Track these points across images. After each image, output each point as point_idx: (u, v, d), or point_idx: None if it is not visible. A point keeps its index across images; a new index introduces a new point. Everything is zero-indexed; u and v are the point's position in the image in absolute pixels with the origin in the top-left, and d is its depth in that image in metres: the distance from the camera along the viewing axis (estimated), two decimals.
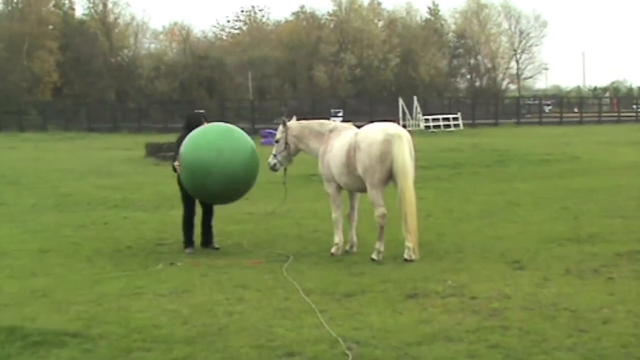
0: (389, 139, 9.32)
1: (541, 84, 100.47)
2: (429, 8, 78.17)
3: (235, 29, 78.47)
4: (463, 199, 15.18)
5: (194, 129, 10.45)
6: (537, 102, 67.79)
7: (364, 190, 9.72)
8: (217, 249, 10.64)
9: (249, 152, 10.18)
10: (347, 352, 5.97)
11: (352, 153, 9.55)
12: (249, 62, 66.90)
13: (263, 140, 34.48)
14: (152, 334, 6.56)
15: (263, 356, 5.99)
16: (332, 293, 7.81)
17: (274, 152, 10.56)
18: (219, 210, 13.09)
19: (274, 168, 10.58)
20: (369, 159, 9.34)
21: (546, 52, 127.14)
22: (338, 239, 9.97)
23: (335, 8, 72.30)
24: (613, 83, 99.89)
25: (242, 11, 78.28)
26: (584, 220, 12.04)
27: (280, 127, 10.61)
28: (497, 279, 8.20)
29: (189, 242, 10.56)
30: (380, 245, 9.49)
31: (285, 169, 10.72)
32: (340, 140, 9.85)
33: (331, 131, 10.15)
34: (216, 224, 12.02)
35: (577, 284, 7.93)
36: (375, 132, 9.49)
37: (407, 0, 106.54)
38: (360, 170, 9.48)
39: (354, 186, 9.84)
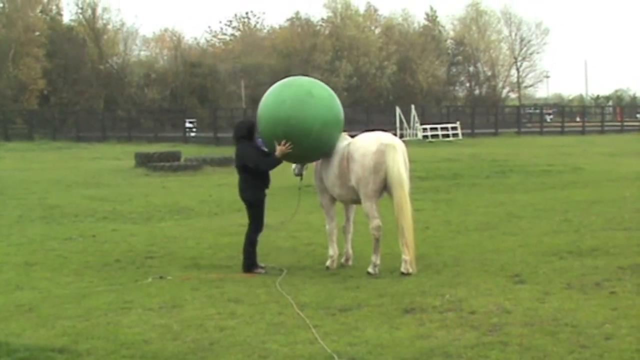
0: (383, 148, 9.19)
1: (542, 92, 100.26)
2: (426, 14, 78.14)
3: (228, 35, 78.00)
4: (461, 211, 15.09)
5: (246, 136, 9.99)
6: (538, 110, 67.65)
7: (357, 201, 9.60)
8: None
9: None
10: None
11: (344, 163, 9.43)
12: (242, 70, 66.45)
13: None
14: (141, 349, 6.48)
15: None
16: (327, 307, 7.73)
17: None
18: (211, 222, 12.90)
19: (297, 174, 10.42)
20: (362, 170, 9.21)
21: (547, 59, 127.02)
22: (332, 251, 9.85)
23: (330, 14, 72.06)
24: (616, 91, 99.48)
25: (235, 17, 78.11)
26: (585, 233, 11.93)
27: None
28: (496, 293, 8.11)
29: (255, 262, 9.88)
30: (376, 258, 9.35)
31: (301, 175, 10.49)
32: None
33: None
34: (207, 236, 11.87)
35: (578, 299, 7.83)
36: (368, 142, 9.36)
37: (404, 5, 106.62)
38: (353, 181, 9.35)
39: (348, 197, 9.69)
